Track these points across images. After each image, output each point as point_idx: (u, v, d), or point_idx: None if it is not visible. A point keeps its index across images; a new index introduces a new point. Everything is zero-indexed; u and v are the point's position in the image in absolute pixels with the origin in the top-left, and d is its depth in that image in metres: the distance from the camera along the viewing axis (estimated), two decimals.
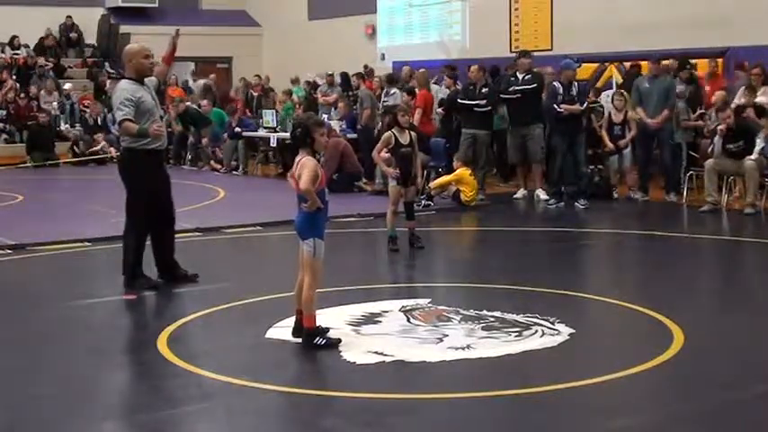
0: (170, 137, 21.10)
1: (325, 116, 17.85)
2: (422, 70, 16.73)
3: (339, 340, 6.50)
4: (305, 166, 6.47)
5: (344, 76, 19.92)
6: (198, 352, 6.53)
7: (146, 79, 8.39)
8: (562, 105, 13.49)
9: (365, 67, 19.96)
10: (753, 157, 12.49)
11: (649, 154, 13.95)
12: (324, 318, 7.22)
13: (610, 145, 14.05)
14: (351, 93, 18.89)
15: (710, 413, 5.24)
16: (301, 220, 6.52)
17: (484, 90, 14.77)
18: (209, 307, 7.80)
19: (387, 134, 10.19)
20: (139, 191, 8.39)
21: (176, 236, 11.18)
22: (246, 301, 7.86)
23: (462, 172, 13.65)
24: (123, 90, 8.22)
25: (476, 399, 5.45)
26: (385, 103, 16.47)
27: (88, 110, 22.66)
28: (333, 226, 12.22)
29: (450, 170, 14.22)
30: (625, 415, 5.23)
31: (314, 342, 6.38)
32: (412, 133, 10.24)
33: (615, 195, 14.11)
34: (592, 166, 14.14)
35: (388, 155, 10.38)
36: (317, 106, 19.24)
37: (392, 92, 16.60)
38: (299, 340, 6.51)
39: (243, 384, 5.73)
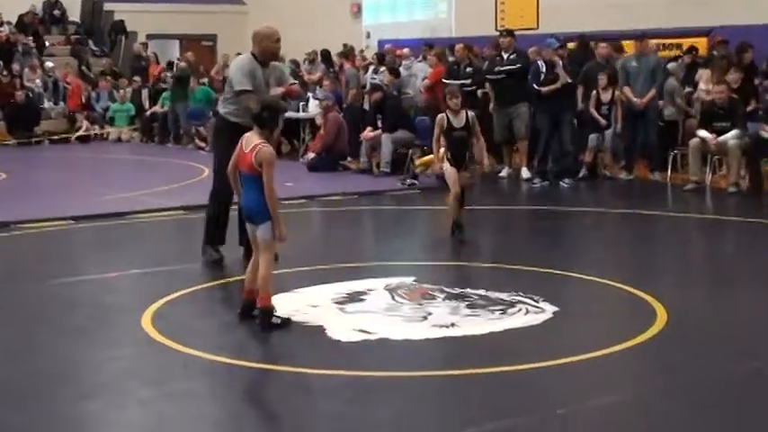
0: (155, 115, 21.12)
1: (310, 94, 17.86)
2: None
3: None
4: (266, 159, 6.25)
5: (326, 53, 19.84)
6: (182, 330, 6.52)
7: (272, 65, 8.42)
8: (543, 86, 13.51)
9: (344, 45, 19.89)
10: (733, 135, 12.51)
11: (636, 133, 13.95)
12: (308, 295, 7.25)
13: (603, 121, 14.02)
14: (333, 70, 18.85)
15: (693, 390, 5.26)
16: (255, 202, 6.35)
17: (468, 69, 14.76)
18: (194, 285, 7.78)
19: (440, 117, 9.64)
20: (223, 159, 8.36)
21: (161, 214, 11.27)
22: (231, 279, 7.86)
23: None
24: (245, 64, 8.36)
25: (460, 377, 5.46)
26: (372, 81, 16.44)
27: (69, 86, 22.51)
28: (317, 204, 12.25)
29: None
30: (608, 392, 5.25)
31: (271, 321, 6.35)
32: (469, 114, 9.64)
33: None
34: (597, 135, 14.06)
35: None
36: (303, 84, 19.18)
37: (381, 70, 16.56)
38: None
39: (227, 362, 5.74)
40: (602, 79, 14.16)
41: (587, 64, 14.64)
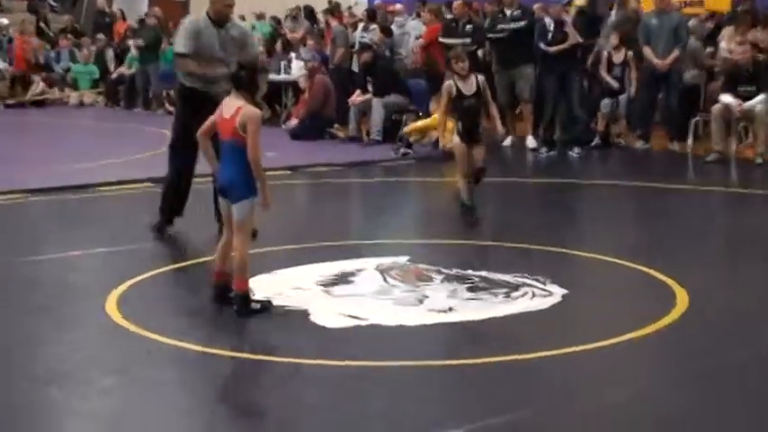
0: (122, 77, 21.02)
1: (293, 54, 17.78)
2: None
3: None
4: (252, 120, 6.22)
5: (310, 10, 19.76)
6: (149, 314, 6.48)
7: (232, 25, 8.51)
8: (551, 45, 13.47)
9: (330, 1, 19.82)
10: (760, 100, 12.45)
11: (654, 98, 13.90)
12: (291, 277, 7.21)
13: (615, 84, 13.96)
14: (318, 28, 18.78)
15: (714, 381, 5.24)
16: (233, 175, 6.28)
17: (468, 27, 14.69)
18: (164, 265, 7.76)
19: (447, 84, 9.41)
20: (178, 126, 8.65)
21: (128, 186, 11.22)
22: (206, 259, 7.80)
23: None
24: (189, 24, 8.53)
25: (458, 366, 5.44)
26: (362, 40, 16.37)
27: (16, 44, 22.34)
28: (301, 177, 12.20)
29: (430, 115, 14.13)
30: (621, 384, 5.24)
31: (251, 307, 6.32)
32: (479, 78, 9.38)
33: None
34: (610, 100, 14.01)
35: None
36: (286, 44, 19.09)
37: (372, 28, 16.48)
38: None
39: (200, 350, 5.70)
40: (613, 38, 14.10)
41: (616, 19, 14.59)
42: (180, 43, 8.39)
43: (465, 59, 9.33)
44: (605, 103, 13.96)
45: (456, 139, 9.34)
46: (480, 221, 9.27)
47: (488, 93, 9.51)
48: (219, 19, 8.39)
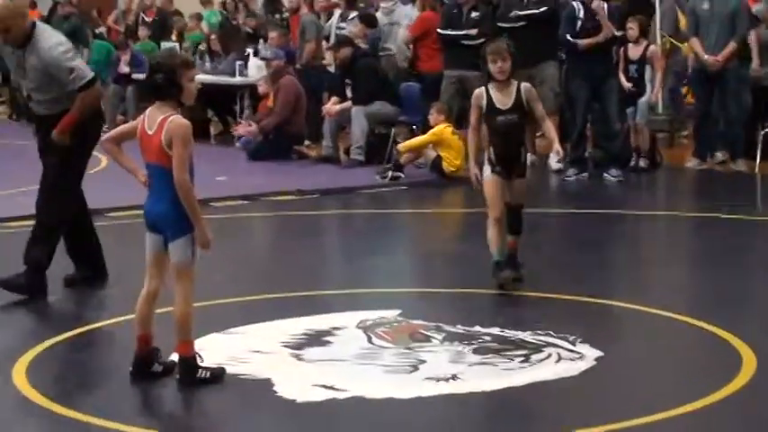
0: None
1: (250, 50, 17.83)
2: None
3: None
4: (177, 134, 6.18)
5: None
6: (67, 385, 6.50)
7: (33, 47, 8.17)
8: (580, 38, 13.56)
9: None
10: None
11: (708, 104, 13.98)
12: (250, 337, 7.23)
13: (627, 85, 14.02)
14: (282, 17, 18.87)
15: None
16: (169, 205, 6.30)
17: (474, 15, 14.75)
18: (85, 323, 7.76)
19: (477, 92, 8.65)
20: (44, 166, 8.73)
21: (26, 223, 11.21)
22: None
23: (442, 130, 13.60)
24: None
25: None
26: (340, 32, 16.44)
27: None
28: (262, 208, 12.21)
29: (427, 128, 14.19)
30: None
31: (198, 376, 6.33)
32: (523, 88, 8.64)
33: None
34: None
35: None
36: (236, 30, 19.18)
37: (351, 16, 16.55)
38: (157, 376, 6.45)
39: None
40: (632, 28, 14.13)
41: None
42: None
43: (506, 58, 8.49)
44: (630, 111, 14.02)
45: (487, 170, 8.62)
46: (522, 275, 8.67)
47: (538, 104, 8.78)
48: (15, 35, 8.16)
